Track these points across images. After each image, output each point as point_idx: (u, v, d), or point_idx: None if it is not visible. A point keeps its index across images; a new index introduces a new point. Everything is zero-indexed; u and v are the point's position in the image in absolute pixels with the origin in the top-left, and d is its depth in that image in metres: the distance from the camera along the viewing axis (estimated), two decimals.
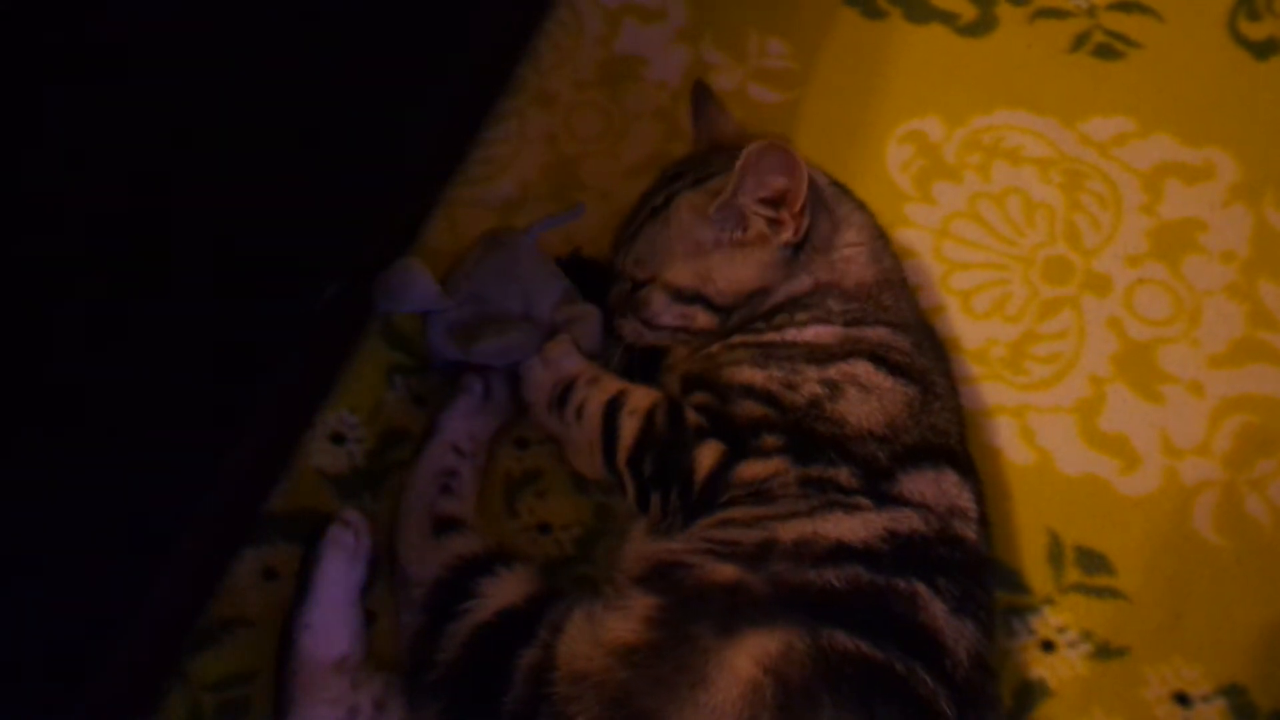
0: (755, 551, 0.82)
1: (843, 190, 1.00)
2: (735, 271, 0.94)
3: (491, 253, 1.00)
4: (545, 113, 1.16)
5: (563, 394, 0.94)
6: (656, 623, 0.80)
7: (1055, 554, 0.99)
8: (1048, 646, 0.96)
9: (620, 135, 1.15)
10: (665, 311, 0.95)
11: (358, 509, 0.97)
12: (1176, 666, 0.96)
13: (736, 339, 0.93)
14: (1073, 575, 0.99)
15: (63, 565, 0.81)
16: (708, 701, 0.76)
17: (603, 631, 0.80)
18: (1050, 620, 0.97)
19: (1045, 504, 1.01)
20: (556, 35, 1.19)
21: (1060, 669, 0.96)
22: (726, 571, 0.81)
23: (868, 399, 0.88)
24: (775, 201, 0.93)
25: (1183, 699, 0.95)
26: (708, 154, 1.01)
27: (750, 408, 0.88)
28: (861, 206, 1.00)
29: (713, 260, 0.94)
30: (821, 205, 0.95)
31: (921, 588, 0.81)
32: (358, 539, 0.91)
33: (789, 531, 0.82)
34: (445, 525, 0.92)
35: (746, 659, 0.77)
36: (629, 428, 0.90)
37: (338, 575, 0.90)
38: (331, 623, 0.89)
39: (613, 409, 0.91)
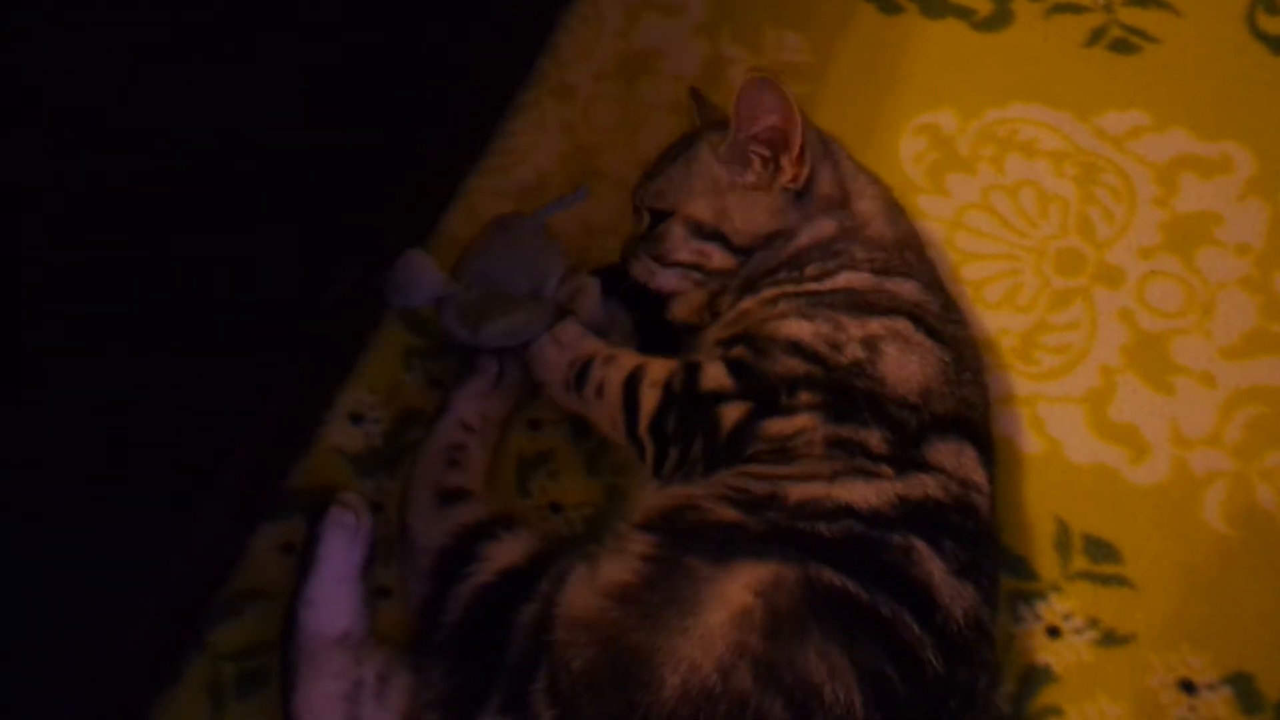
0: (759, 501, 0.83)
1: (859, 166, 1.02)
2: (748, 212, 0.97)
3: (497, 235, 1.02)
4: (564, 104, 1.18)
5: (580, 373, 0.95)
6: (652, 559, 0.81)
7: (1063, 541, 1.00)
8: (1053, 632, 0.97)
9: (637, 127, 1.17)
10: (681, 246, 0.98)
11: (374, 487, 1.00)
12: (1183, 654, 0.96)
13: (770, 292, 0.95)
14: (1080, 563, 0.99)
15: (86, 538, 0.83)
16: (696, 627, 0.77)
17: (600, 576, 0.82)
18: (1056, 606, 0.98)
19: (1054, 492, 1.02)
20: (576, 29, 1.22)
21: (1065, 655, 0.96)
22: (730, 514, 0.83)
23: (908, 359, 0.89)
24: (774, 143, 0.95)
25: (1188, 686, 0.95)
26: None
27: (792, 364, 0.89)
28: (876, 180, 1.02)
29: (729, 200, 0.97)
30: (830, 165, 0.98)
31: (920, 544, 0.82)
32: (358, 519, 0.94)
33: (798, 492, 0.83)
34: (451, 496, 0.94)
35: (738, 585, 0.78)
36: (650, 398, 0.91)
37: (338, 554, 0.92)
38: (333, 599, 0.91)
39: (633, 383, 0.93)
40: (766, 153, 0.96)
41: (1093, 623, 0.97)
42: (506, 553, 0.88)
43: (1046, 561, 0.99)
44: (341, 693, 0.88)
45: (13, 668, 0.79)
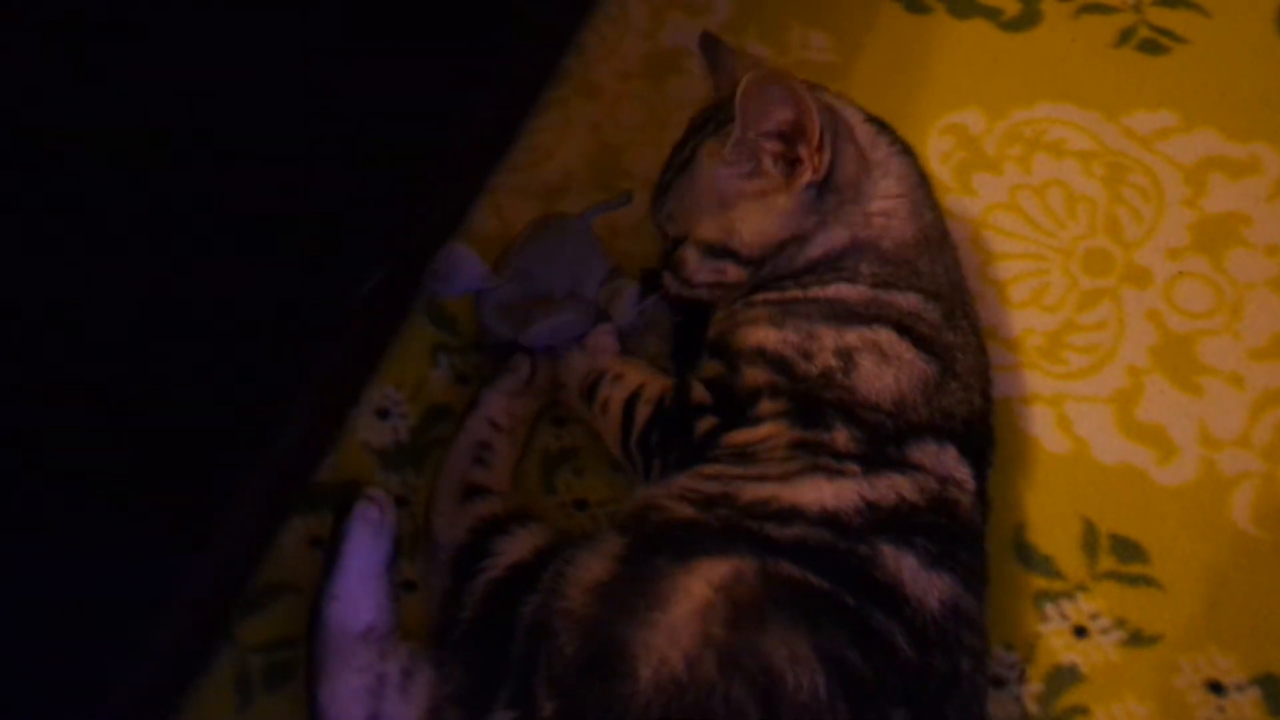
0: (711, 499, 0.85)
1: (881, 128, 0.96)
2: (759, 221, 0.92)
3: (540, 233, 1.02)
4: (590, 103, 1.18)
5: (591, 386, 0.97)
6: (623, 559, 0.83)
7: (1090, 541, 1.00)
8: (1080, 632, 0.96)
9: (662, 125, 1.17)
10: (699, 269, 0.96)
11: (400, 482, 1.01)
12: (1210, 655, 0.95)
13: (758, 296, 0.94)
14: (1107, 563, 0.99)
15: (120, 531, 0.84)
16: (664, 620, 0.79)
17: (584, 573, 0.84)
18: (1083, 606, 0.97)
19: (1081, 492, 1.01)
20: (602, 27, 1.22)
21: (1093, 655, 0.96)
22: (687, 512, 0.85)
23: (883, 371, 0.88)
24: (789, 137, 0.90)
25: (1216, 687, 0.94)
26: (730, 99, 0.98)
27: (755, 375, 0.89)
28: (904, 150, 0.96)
29: (737, 211, 0.93)
30: (850, 143, 0.92)
31: (887, 549, 0.82)
32: (383, 514, 0.94)
33: (748, 493, 0.85)
34: (473, 492, 0.96)
35: (700, 581, 0.80)
36: (642, 414, 0.94)
37: (363, 549, 0.93)
38: (358, 594, 0.92)
39: (631, 403, 0.95)
40: (780, 148, 0.90)
41: (1120, 623, 0.97)
42: (517, 547, 0.89)
43: (1073, 561, 0.99)
44: (365, 687, 0.89)
45: (49, 657, 0.80)
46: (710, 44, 1.04)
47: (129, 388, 0.87)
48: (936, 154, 1.16)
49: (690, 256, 0.96)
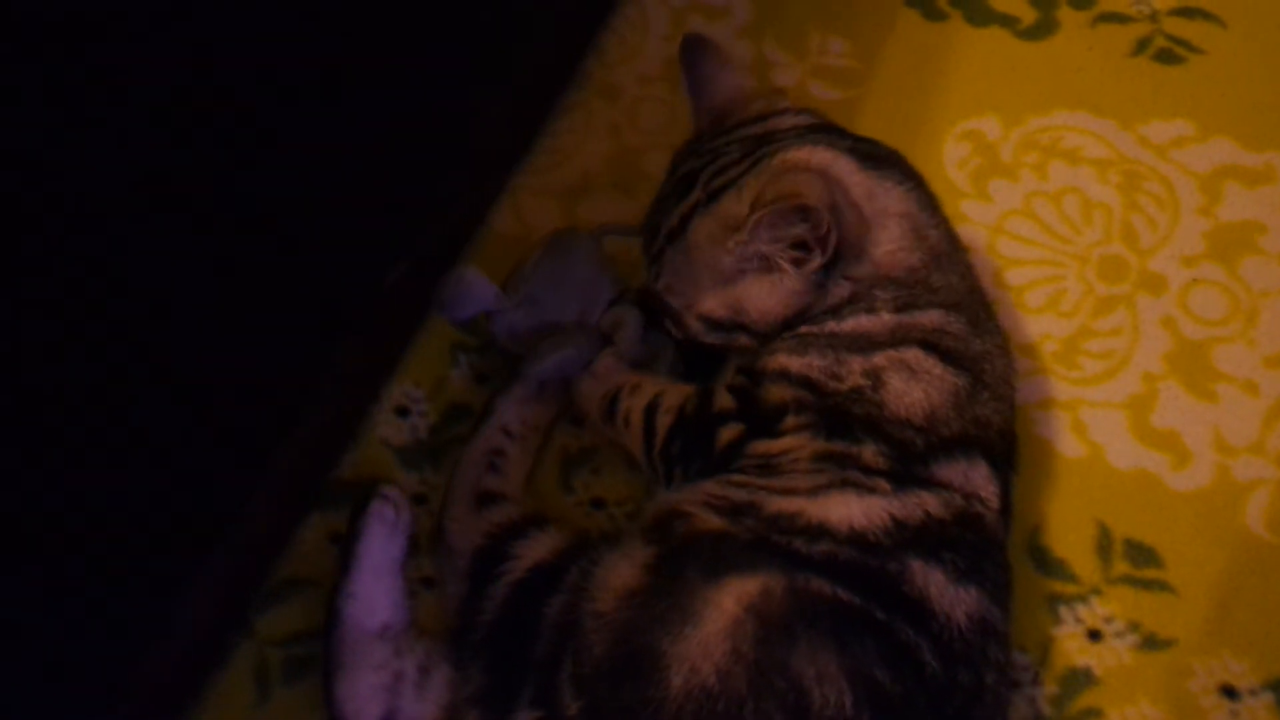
0: (738, 508, 0.85)
1: (873, 166, 0.93)
2: (765, 302, 0.92)
3: (550, 256, 1.02)
4: (610, 105, 1.19)
5: (610, 404, 0.97)
6: (654, 569, 0.84)
7: (1104, 545, 1.00)
8: (1094, 636, 0.97)
9: (682, 129, 1.16)
10: (705, 336, 0.96)
11: (418, 480, 1.02)
12: (1224, 660, 0.96)
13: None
14: (1121, 567, 0.99)
15: (138, 524, 0.84)
16: (695, 634, 0.80)
17: (613, 577, 0.84)
18: (1098, 610, 0.98)
19: (1095, 496, 1.02)
20: (623, 31, 1.23)
21: (1106, 658, 0.96)
22: (715, 522, 0.85)
23: (913, 386, 0.88)
24: (803, 238, 0.89)
25: (1230, 692, 0.95)
26: (716, 139, 0.97)
27: (780, 392, 0.89)
28: (901, 180, 0.93)
29: (739, 290, 0.92)
30: (849, 208, 0.90)
31: (916, 565, 0.82)
32: (398, 512, 0.95)
33: (775, 504, 0.85)
34: (488, 499, 0.96)
35: (730, 599, 0.80)
36: (663, 424, 0.94)
37: (379, 547, 0.94)
38: (374, 592, 0.92)
39: (651, 412, 0.95)
40: (792, 253, 0.90)
41: (1134, 627, 0.97)
42: (537, 549, 0.90)
43: (1088, 565, 0.99)
44: (382, 684, 0.90)
45: (68, 651, 0.81)
46: (695, 50, 1.00)
47: (150, 382, 0.87)
48: (953, 160, 1.17)
49: (696, 325, 0.96)
